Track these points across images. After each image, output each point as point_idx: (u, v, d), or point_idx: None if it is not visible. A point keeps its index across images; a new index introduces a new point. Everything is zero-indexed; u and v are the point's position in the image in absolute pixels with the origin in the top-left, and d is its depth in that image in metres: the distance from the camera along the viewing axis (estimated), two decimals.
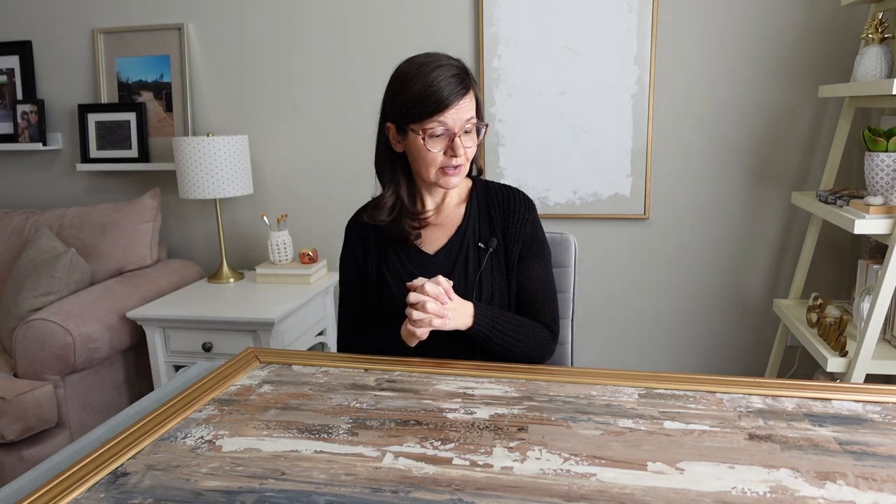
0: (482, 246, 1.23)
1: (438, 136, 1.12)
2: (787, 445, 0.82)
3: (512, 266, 1.24)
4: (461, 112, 1.12)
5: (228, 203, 2.54)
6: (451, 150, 1.13)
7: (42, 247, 2.21)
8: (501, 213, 1.25)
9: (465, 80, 1.13)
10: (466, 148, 1.14)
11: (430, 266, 1.23)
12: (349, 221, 1.32)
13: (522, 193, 1.28)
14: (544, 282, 1.26)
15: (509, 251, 1.24)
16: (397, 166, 1.22)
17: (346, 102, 2.39)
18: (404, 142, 1.17)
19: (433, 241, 1.25)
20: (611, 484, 0.75)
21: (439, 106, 1.10)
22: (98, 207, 2.45)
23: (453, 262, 1.23)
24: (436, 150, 1.13)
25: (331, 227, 2.47)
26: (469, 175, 1.28)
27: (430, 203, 1.25)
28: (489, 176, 2.31)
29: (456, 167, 1.15)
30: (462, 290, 1.21)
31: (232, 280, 2.38)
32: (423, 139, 1.12)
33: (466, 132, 1.14)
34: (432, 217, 1.26)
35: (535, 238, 1.26)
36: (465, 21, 2.25)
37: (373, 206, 1.25)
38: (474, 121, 1.15)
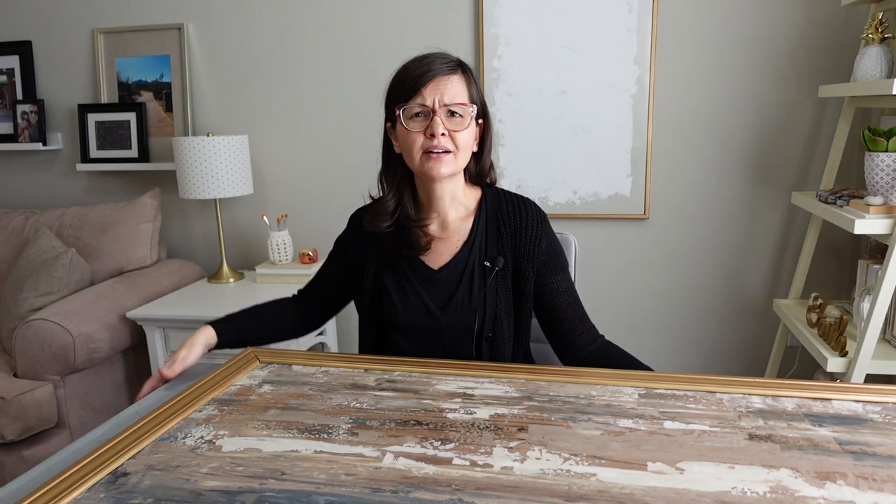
0: (488, 265, 1.19)
1: (417, 114, 1.10)
2: (787, 445, 0.82)
3: (523, 284, 1.20)
4: (439, 90, 1.09)
5: (228, 203, 2.54)
6: (429, 129, 1.09)
7: (42, 247, 2.21)
8: (512, 230, 1.20)
9: (452, 64, 1.12)
10: (454, 132, 1.11)
11: (434, 282, 1.21)
12: (356, 213, 1.29)
13: (535, 207, 1.23)
14: (570, 293, 1.23)
15: (521, 270, 1.20)
16: (398, 170, 1.19)
17: (346, 102, 2.39)
18: (395, 136, 1.15)
19: (438, 255, 1.22)
20: (611, 484, 0.75)
21: (416, 83, 1.09)
22: (98, 207, 2.45)
23: (458, 279, 1.20)
24: (415, 129, 1.10)
25: (331, 227, 2.47)
26: (478, 183, 1.25)
27: (432, 212, 1.21)
28: None
29: (441, 152, 1.10)
30: (466, 309, 1.19)
31: (232, 280, 2.38)
32: (403, 120, 1.10)
33: (452, 114, 1.11)
34: (437, 230, 1.22)
35: (552, 253, 1.22)
36: (465, 21, 2.25)
37: (373, 210, 1.22)
38: (462, 104, 1.11)
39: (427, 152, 1.11)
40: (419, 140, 1.10)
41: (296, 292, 1.37)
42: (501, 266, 1.19)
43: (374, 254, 1.24)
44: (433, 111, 1.09)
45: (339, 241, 1.31)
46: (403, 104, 1.11)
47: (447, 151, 1.11)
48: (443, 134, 1.09)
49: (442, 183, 1.16)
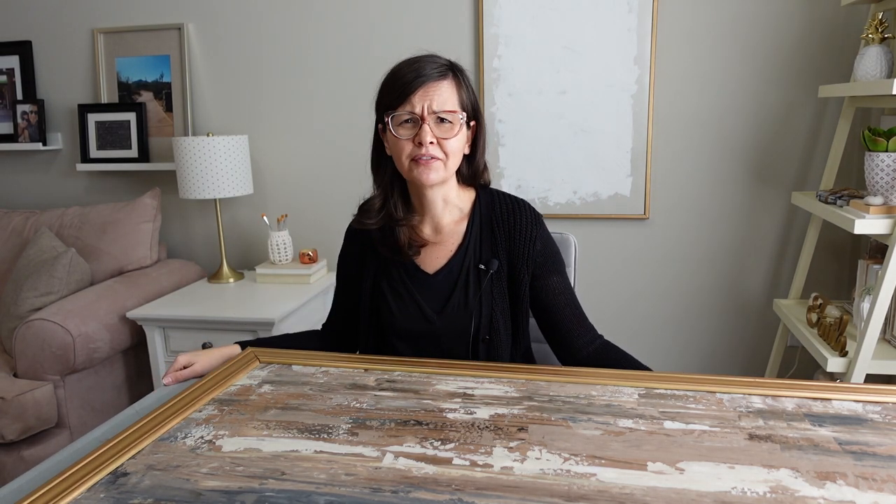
0: (482, 268, 1.19)
1: (406, 121, 1.10)
2: (787, 445, 0.82)
3: (518, 286, 1.20)
4: (428, 97, 1.08)
5: (228, 203, 2.54)
6: (417, 137, 1.09)
7: (42, 247, 2.21)
8: (506, 231, 1.20)
9: (442, 68, 1.11)
10: (443, 139, 1.10)
11: (430, 286, 1.21)
12: (350, 226, 1.29)
13: (529, 207, 1.23)
14: (567, 294, 1.22)
15: (516, 271, 1.19)
16: (388, 171, 1.19)
17: (345, 102, 2.39)
18: (386, 139, 1.15)
19: (433, 260, 1.22)
20: (611, 484, 0.75)
21: (405, 89, 1.08)
22: (98, 207, 2.45)
23: (453, 284, 1.20)
24: (403, 136, 1.09)
25: (331, 227, 2.47)
26: (472, 185, 1.25)
27: (426, 215, 1.21)
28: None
29: (429, 158, 1.10)
30: (462, 313, 1.18)
31: (232, 280, 2.38)
32: (392, 127, 1.10)
33: (441, 121, 1.10)
34: (431, 234, 1.22)
35: (547, 253, 1.21)
36: (465, 21, 2.25)
37: (360, 209, 1.23)
38: (452, 111, 1.10)
39: (415, 159, 1.10)
40: (408, 147, 1.10)
41: (324, 325, 1.37)
42: (496, 269, 1.19)
43: (370, 261, 1.24)
44: (422, 118, 1.09)
45: (340, 258, 1.31)
46: (392, 111, 1.10)
47: (436, 158, 1.11)
48: (431, 142, 1.09)
49: (433, 188, 1.16)
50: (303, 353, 1.20)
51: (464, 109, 1.13)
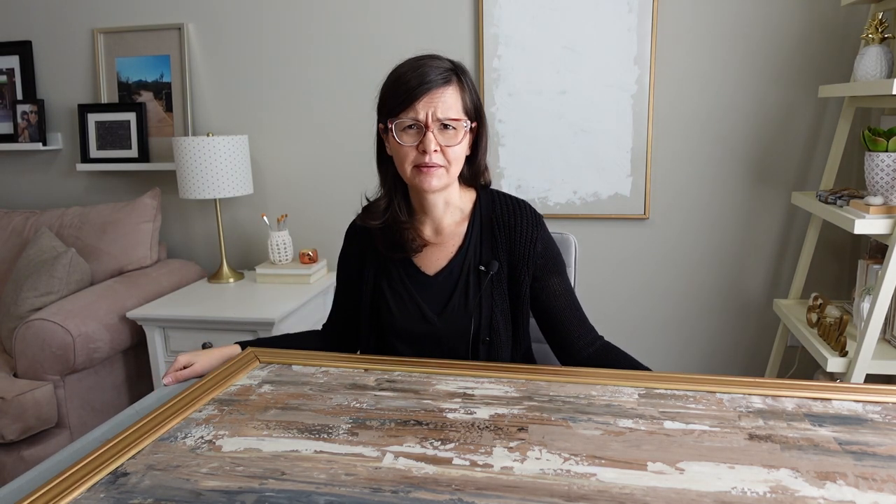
0: (483, 269, 1.19)
1: (409, 127, 1.09)
2: (787, 445, 0.82)
3: (519, 287, 1.20)
4: (433, 104, 1.07)
5: (228, 203, 2.54)
6: (421, 145, 1.08)
7: (42, 247, 2.21)
8: (507, 232, 1.19)
9: (446, 73, 1.09)
10: (446, 147, 1.09)
11: (430, 287, 1.20)
12: (350, 226, 1.29)
13: (529, 208, 1.22)
14: (568, 295, 1.21)
15: (517, 272, 1.19)
16: (390, 170, 1.19)
17: (346, 102, 2.39)
18: (388, 140, 1.15)
19: (433, 261, 1.21)
20: (611, 484, 0.75)
21: (408, 96, 1.07)
22: (98, 207, 2.46)
23: (454, 285, 1.20)
24: (407, 143, 1.09)
25: (331, 227, 2.47)
26: (472, 185, 1.24)
27: (426, 217, 1.21)
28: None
29: (431, 166, 1.09)
30: (462, 314, 1.18)
31: (232, 280, 2.38)
32: (395, 133, 1.09)
33: (445, 127, 1.09)
34: (432, 236, 1.22)
35: (548, 255, 1.21)
36: (465, 21, 2.25)
37: (365, 208, 1.23)
38: (456, 119, 1.09)
39: (418, 166, 1.10)
40: (411, 154, 1.10)
41: (324, 325, 1.37)
42: (496, 270, 1.18)
43: (371, 261, 1.24)
44: (426, 126, 1.08)
45: (341, 258, 1.31)
46: (395, 118, 1.09)
47: (439, 166, 1.10)
48: (435, 150, 1.08)
49: (435, 193, 1.16)
50: (303, 353, 1.20)
51: (467, 114, 1.12)
